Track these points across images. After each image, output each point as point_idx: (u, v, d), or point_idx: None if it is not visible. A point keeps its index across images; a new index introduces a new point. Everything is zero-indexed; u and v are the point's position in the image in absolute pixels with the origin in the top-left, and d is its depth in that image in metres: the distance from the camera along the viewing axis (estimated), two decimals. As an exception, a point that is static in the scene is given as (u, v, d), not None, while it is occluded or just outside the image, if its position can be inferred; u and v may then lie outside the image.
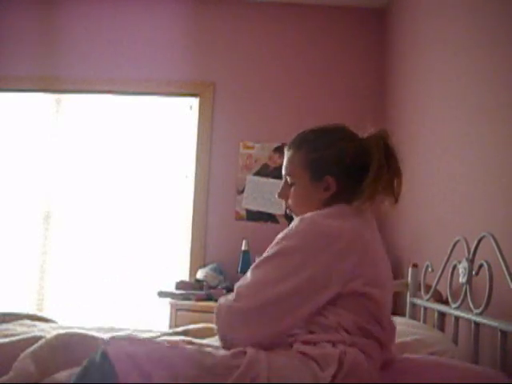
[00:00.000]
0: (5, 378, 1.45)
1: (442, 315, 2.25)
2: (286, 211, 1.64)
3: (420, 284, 2.45)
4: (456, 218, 2.39)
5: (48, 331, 1.79)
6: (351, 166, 1.48)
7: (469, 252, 2.01)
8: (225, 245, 3.64)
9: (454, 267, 2.13)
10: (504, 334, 1.71)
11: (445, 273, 2.23)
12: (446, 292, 2.22)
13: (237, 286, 1.40)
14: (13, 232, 3.81)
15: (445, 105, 2.61)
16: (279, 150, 3.70)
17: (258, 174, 3.71)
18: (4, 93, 3.85)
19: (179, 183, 3.81)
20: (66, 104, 3.89)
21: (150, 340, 1.28)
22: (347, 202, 1.47)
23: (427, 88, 2.88)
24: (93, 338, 1.61)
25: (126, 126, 3.86)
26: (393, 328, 1.51)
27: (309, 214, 1.43)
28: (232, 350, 1.28)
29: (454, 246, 2.18)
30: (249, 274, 1.40)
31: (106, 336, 1.63)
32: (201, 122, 3.76)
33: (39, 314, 2.51)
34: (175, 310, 3.19)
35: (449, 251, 2.20)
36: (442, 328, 2.23)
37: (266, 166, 3.71)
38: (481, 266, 1.88)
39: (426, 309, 2.37)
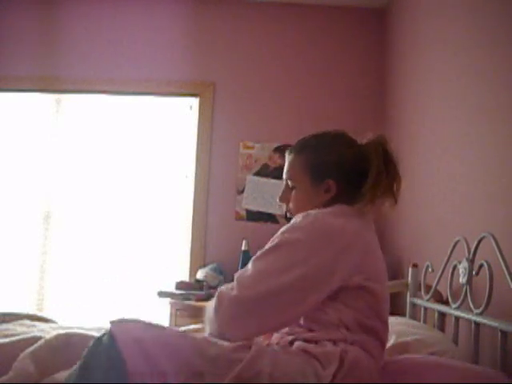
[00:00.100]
0: (4, 378, 1.45)
1: (442, 315, 2.25)
2: (286, 214, 1.65)
3: (420, 284, 2.45)
4: (456, 217, 2.39)
5: (48, 331, 1.79)
6: (351, 171, 1.52)
7: (469, 252, 2.00)
8: (225, 245, 3.64)
9: (454, 267, 2.13)
10: (504, 334, 1.71)
11: (445, 273, 2.23)
12: (446, 292, 2.22)
13: (237, 276, 1.38)
14: (13, 232, 3.81)
15: (445, 105, 2.61)
16: (279, 150, 3.71)
17: (258, 174, 3.71)
18: (4, 93, 3.85)
19: (179, 183, 3.81)
20: (66, 104, 3.89)
21: (157, 325, 1.27)
22: (347, 205, 1.50)
23: (427, 88, 2.88)
24: (93, 338, 1.61)
25: (126, 126, 3.86)
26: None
27: (312, 212, 1.44)
28: (237, 343, 1.26)
29: (454, 246, 2.18)
30: (250, 265, 1.39)
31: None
32: (201, 122, 3.76)
33: (39, 314, 2.51)
34: (175, 309, 3.19)
35: (449, 251, 2.20)
36: (442, 328, 2.23)
37: (266, 166, 3.71)
38: (481, 266, 1.88)
39: (426, 309, 2.37)
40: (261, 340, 1.43)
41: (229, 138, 3.74)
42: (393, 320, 2.12)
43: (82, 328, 1.88)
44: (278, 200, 1.62)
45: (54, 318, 2.32)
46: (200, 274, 3.42)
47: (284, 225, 1.47)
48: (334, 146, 1.55)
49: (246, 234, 3.54)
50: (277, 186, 3.64)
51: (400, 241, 3.23)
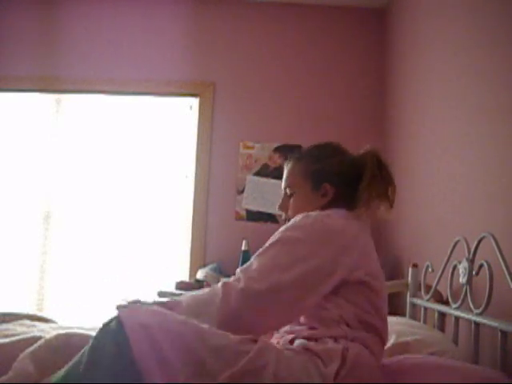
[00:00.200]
0: (4, 378, 1.45)
1: (442, 315, 2.25)
2: (285, 222, 1.67)
3: (420, 284, 2.45)
4: (456, 218, 2.39)
5: (48, 331, 1.79)
6: (348, 175, 1.58)
7: (469, 252, 2.00)
8: (225, 245, 3.64)
9: (454, 267, 2.13)
10: (504, 334, 1.71)
11: (445, 273, 2.23)
12: (446, 292, 2.22)
13: (241, 269, 1.37)
14: (13, 232, 3.81)
15: (445, 105, 2.61)
16: (279, 150, 3.71)
17: (258, 174, 3.71)
18: (4, 93, 3.85)
19: (179, 183, 3.81)
20: (66, 104, 3.89)
21: (164, 311, 1.27)
22: (345, 209, 1.54)
23: (427, 88, 2.88)
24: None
25: (126, 126, 3.87)
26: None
27: (312, 213, 1.47)
28: (242, 336, 1.25)
29: (454, 246, 2.18)
30: (253, 259, 1.39)
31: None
32: (201, 122, 3.76)
33: (39, 314, 2.51)
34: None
35: (449, 251, 2.20)
36: (442, 328, 2.23)
37: (266, 166, 3.71)
38: (481, 266, 1.88)
39: (426, 309, 2.37)
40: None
41: (229, 138, 3.74)
42: (393, 320, 2.13)
43: (82, 328, 1.88)
44: (277, 209, 1.67)
45: (53, 318, 2.32)
46: (200, 274, 3.42)
47: (284, 225, 1.48)
48: (332, 153, 1.63)
49: (246, 234, 3.54)
50: (277, 186, 3.64)
51: (400, 241, 3.23)
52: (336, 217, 1.47)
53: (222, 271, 3.44)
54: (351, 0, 3.77)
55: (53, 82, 3.78)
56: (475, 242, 1.95)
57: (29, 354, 1.51)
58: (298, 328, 1.42)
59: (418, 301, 2.43)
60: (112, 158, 3.84)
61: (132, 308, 1.24)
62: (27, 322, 2.00)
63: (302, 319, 1.43)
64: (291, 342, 1.39)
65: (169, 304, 1.34)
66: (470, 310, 1.91)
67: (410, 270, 2.52)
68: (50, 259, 3.78)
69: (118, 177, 3.83)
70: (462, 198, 2.34)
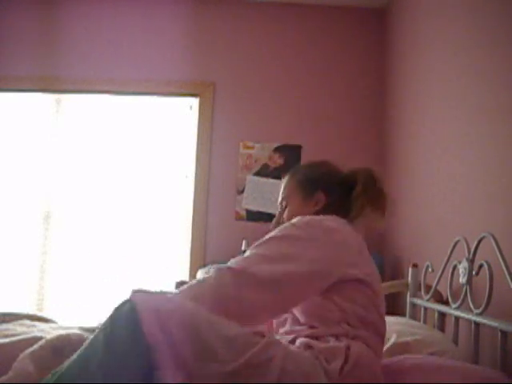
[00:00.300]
0: (4, 378, 1.45)
1: (442, 315, 2.25)
2: None
3: (420, 284, 2.45)
4: (456, 218, 2.39)
5: (48, 331, 1.79)
6: (340, 185, 1.62)
7: (469, 252, 2.00)
8: (225, 245, 3.64)
9: (454, 267, 2.13)
10: (504, 334, 1.71)
11: (445, 273, 2.23)
12: (446, 292, 2.22)
13: (233, 260, 1.40)
14: (13, 232, 3.81)
15: (445, 105, 2.61)
16: (279, 150, 3.71)
17: (258, 174, 3.71)
18: (4, 93, 3.85)
19: (179, 183, 3.81)
20: (66, 104, 3.89)
21: (177, 299, 1.28)
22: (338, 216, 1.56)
23: (427, 88, 2.88)
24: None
25: (125, 126, 3.87)
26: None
27: (307, 216, 1.49)
28: (252, 329, 1.26)
29: (454, 246, 2.18)
30: (248, 252, 1.41)
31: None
32: (201, 122, 3.76)
33: (39, 314, 2.51)
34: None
35: (449, 251, 2.20)
36: (442, 328, 2.23)
37: (266, 166, 3.71)
38: (481, 266, 1.88)
39: (426, 309, 2.37)
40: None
41: (229, 137, 3.74)
42: (393, 320, 2.13)
43: (82, 328, 1.88)
44: (272, 226, 1.67)
45: (53, 318, 2.32)
46: (200, 274, 3.42)
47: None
48: (326, 164, 1.70)
49: (246, 234, 3.55)
50: (277, 186, 3.64)
51: (400, 241, 3.23)
52: (330, 220, 1.48)
53: (222, 271, 3.43)
54: (351, 0, 3.77)
55: (53, 82, 3.78)
56: (475, 242, 1.95)
57: (29, 354, 1.51)
58: (298, 328, 1.42)
59: (418, 301, 2.43)
60: (112, 158, 3.84)
61: (146, 293, 1.24)
62: (27, 322, 2.00)
63: (302, 319, 1.43)
64: (292, 341, 1.39)
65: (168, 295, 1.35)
66: (470, 310, 1.91)
67: (410, 270, 2.52)
68: (50, 259, 3.78)
69: (118, 177, 3.83)
70: (461, 198, 2.34)
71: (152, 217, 3.80)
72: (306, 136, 3.74)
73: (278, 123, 3.75)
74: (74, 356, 1.19)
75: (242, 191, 3.70)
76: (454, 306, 2.07)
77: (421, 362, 1.55)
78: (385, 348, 1.80)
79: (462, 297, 2.00)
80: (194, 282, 1.38)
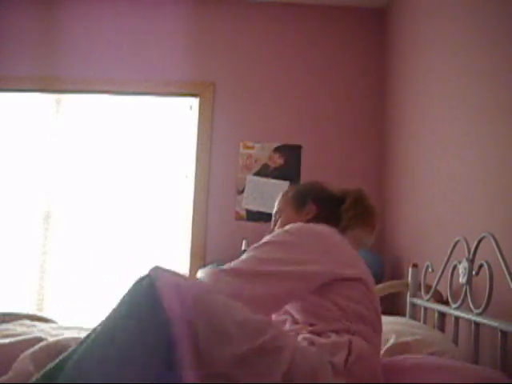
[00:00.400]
0: (4, 378, 1.46)
1: (442, 315, 2.25)
2: None
3: (420, 284, 2.45)
4: (456, 218, 2.39)
5: (48, 331, 1.79)
6: (331, 198, 1.71)
7: (469, 252, 2.00)
8: (225, 245, 3.64)
9: (454, 267, 2.13)
10: (504, 334, 1.71)
11: (445, 273, 2.23)
12: (446, 292, 2.22)
13: (227, 264, 1.43)
14: (13, 232, 3.81)
15: (445, 105, 2.61)
16: (279, 150, 3.71)
17: (258, 174, 3.71)
18: (4, 93, 3.85)
19: (179, 183, 3.81)
20: (66, 104, 3.89)
21: (193, 280, 1.30)
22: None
23: (427, 88, 2.88)
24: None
25: (125, 126, 3.87)
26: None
27: (299, 223, 1.54)
28: (264, 317, 1.28)
29: (454, 246, 2.18)
30: (243, 256, 1.44)
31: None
32: (201, 122, 3.76)
33: (39, 314, 2.51)
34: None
35: (449, 251, 2.20)
36: (442, 328, 2.23)
37: (265, 166, 3.71)
38: (481, 266, 1.88)
39: (426, 309, 2.37)
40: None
41: (229, 138, 3.75)
42: (393, 320, 2.13)
43: (81, 328, 1.88)
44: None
45: (53, 318, 2.32)
46: (200, 274, 3.41)
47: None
48: (317, 183, 1.80)
49: (246, 233, 3.55)
50: (277, 186, 3.64)
51: (400, 241, 3.23)
52: (321, 226, 1.53)
53: (222, 271, 3.43)
54: (351, 0, 3.77)
55: (53, 82, 3.78)
56: (475, 242, 1.95)
57: (29, 355, 1.52)
58: (297, 326, 1.43)
59: (418, 301, 2.43)
60: (112, 158, 3.84)
61: (164, 269, 1.25)
62: (27, 322, 2.00)
63: (301, 319, 1.43)
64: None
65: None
66: (470, 310, 1.91)
67: (410, 270, 2.52)
68: (50, 259, 3.78)
69: (118, 177, 3.83)
70: (462, 198, 2.34)
71: (152, 217, 3.81)
72: (306, 136, 3.74)
73: (278, 123, 3.75)
74: (92, 333, 1.19)
75: (242, 191, 3.70)
76: (453, 306, 2.07)
77: (421, 362, 1.55)
78: (385, 348, 1.81)
79: (461, 297, 2.00)
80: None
